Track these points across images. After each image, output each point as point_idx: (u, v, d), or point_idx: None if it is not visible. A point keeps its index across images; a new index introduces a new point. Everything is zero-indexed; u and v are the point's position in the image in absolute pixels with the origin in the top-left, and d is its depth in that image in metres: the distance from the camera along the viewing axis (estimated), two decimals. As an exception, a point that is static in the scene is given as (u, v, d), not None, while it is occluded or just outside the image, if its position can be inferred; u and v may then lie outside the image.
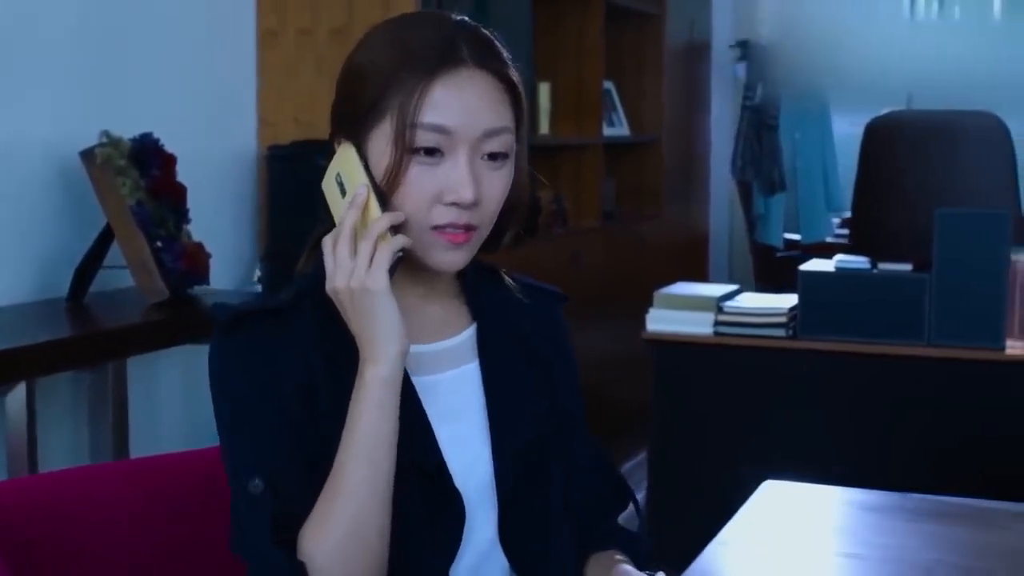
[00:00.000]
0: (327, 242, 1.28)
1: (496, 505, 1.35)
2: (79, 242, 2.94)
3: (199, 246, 3.02)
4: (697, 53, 6.20)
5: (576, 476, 1.44)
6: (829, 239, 6.19)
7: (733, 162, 5.91)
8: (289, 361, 1.29)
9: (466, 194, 1.27)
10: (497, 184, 1.31)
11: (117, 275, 2.98)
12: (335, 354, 1.30)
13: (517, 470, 1.35)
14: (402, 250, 1.27)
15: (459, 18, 1.34)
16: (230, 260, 3.49)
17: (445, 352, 1.37)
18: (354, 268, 1.25)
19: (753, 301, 3.55)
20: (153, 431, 3.24)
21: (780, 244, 6.05)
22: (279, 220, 3.51)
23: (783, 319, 3.41)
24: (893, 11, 7.95)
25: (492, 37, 1.33)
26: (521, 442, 1.36)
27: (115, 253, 2.92)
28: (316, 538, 1.25)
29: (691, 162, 6.20)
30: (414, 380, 1.32)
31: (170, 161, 3.00)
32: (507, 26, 4.24)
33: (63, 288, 2.92)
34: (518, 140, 1.33)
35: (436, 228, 1.29)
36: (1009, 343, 3.22)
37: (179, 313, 2.86)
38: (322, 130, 4.02)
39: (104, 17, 3.15)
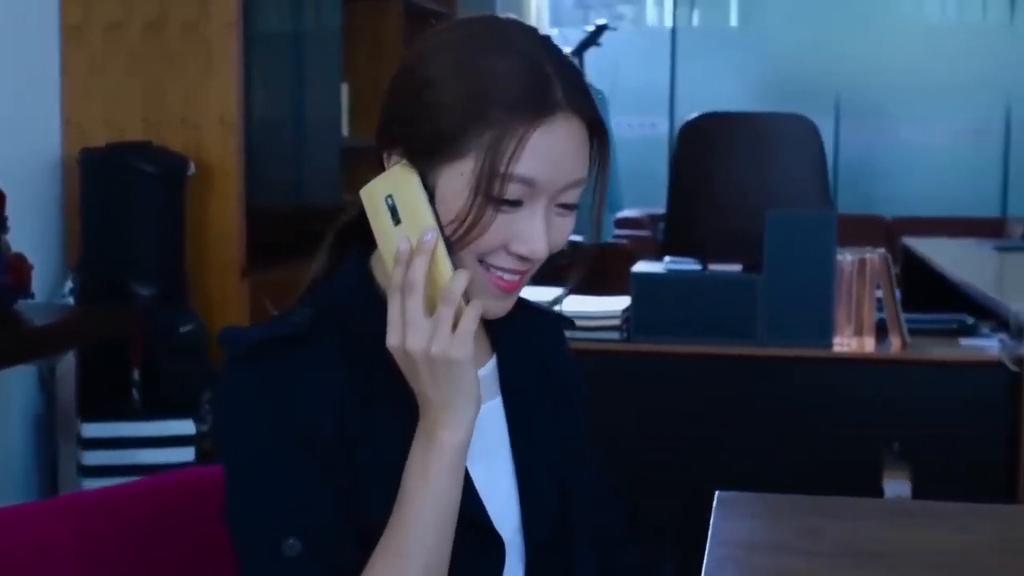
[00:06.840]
0: (394, 294, 1.14)
1: (524, 548, 1.27)
2: None
3: (21, 258, 2.79)
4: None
5: (594, 507, 1.37)
6: (610, 239, 6.28)
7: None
8: (317, 397, 1.15)
9: (540, 250, 1.18)
10: (563, 233, 1.21)
11: (-68, 291, 2.71)
12: (367, 389, 1.18)
13: (544, 512, 1.28)
14: None
15: (539, 38, 1.20)
16: (37, 271, 3.23)
17: None
18: (435, 332, 1.12)
19: (583, 304, 3.53)
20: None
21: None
22: (93, 228, 3.28)
23: (617, 322, 3.41)
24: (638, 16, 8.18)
25: (576, 66, 1.22)
26: (546, 481, 1.29)
27: (-70, 267, 2.66)
28: None
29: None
30: None
31: (-13, 166, 2.76)
32: (316, 26, 4.10)
33: None
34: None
35: (488, 265, 1.19)
36: (836, 340, 3.31)
37: (7, 332, 2.63)
38: (135, 132, 3.76)
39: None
